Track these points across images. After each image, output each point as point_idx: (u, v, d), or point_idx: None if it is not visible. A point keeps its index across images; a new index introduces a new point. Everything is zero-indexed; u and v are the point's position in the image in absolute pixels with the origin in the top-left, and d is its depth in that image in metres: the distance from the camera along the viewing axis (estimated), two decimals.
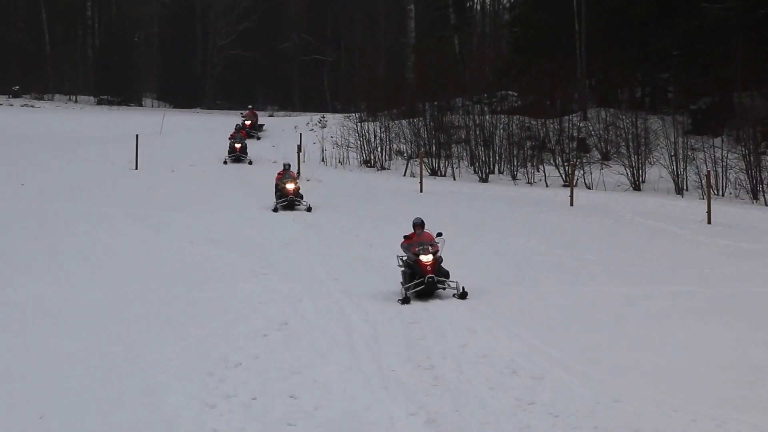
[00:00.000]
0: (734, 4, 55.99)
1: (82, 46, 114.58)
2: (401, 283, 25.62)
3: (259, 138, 68.55)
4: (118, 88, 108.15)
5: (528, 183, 54.67)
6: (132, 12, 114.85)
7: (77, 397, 17.15)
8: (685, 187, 47.86)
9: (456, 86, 65.47)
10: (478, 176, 57.30)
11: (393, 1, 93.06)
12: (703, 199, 40.36)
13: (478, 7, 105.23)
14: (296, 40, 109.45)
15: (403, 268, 26.24)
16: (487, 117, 60.77)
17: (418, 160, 57.90)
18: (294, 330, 22.53)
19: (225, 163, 57.50)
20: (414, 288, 25.00)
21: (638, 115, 55.19)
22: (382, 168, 62.04)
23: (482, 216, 41.50)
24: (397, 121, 64.91)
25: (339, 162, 62.59)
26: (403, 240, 26.84)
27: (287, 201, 41.01)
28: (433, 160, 59.76)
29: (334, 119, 77.10)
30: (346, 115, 77.43)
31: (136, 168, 56.14)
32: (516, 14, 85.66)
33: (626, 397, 16.54)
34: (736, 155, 46.92)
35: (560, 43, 66.43)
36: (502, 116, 60.64)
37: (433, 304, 25.24)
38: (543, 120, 58.97)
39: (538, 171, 55.43)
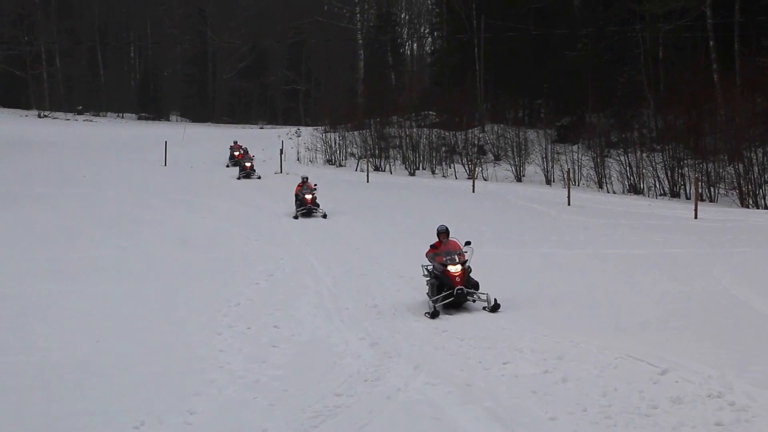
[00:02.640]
0: (586, 52, 56.38)
1: (127, 78, 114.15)
2: (428, 294, 18.79)
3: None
4: (152, 108, 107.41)
5: (443, 176, 54.70)
6: (163, 54, 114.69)
7: (122, 327, 17.17)
8: (552, 180, 48.09)
9: (392, 108, 65.36)
10: (408, 171, 57.28)
11: (348, 48, 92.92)
12: (565, 188, 40.45)
13: (408, 52, 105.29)
14: (280, 75, 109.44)
15: (428, 279, 19.32)
16: (415, 129, 60.79)
17: (365, 159, 58.05)
18: (277, 280, 22.56)
19: (238, 179, 50.00)
20: (442, 300, 18.12)
21: (520, 129, 55.39)
22: (340, 165, 61.82)
23: (410, 199, 41.49)
24: (350, 132, 64.75)
25: (309, 161, 62.24)
26: (428, 249, 19.69)
27: (306, 209, 35.37)
28: (376, 160, 59.67)
29: (306, 131, 76.82)
30: (315, 127, 77.19)
31: (165, 165, 55.74)
32: (435, 58, 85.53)
33: (511, 325, 16.64)
34: (587, 157, 47.22)
35: (465, 78, 66.68)
36: (425, 129, 60.74)
37: (372, 260, 25.30)
38: (453, 132, 59.04)
39: (449, 168, 55.50)
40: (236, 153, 56.04)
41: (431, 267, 19.33)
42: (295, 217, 34.85)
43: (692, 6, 47.85)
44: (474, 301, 18.58)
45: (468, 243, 19.46)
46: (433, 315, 17.76)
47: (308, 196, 35.27)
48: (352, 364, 14.39)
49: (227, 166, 56.76)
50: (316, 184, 36.39)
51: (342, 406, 11.99)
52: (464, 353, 14.83)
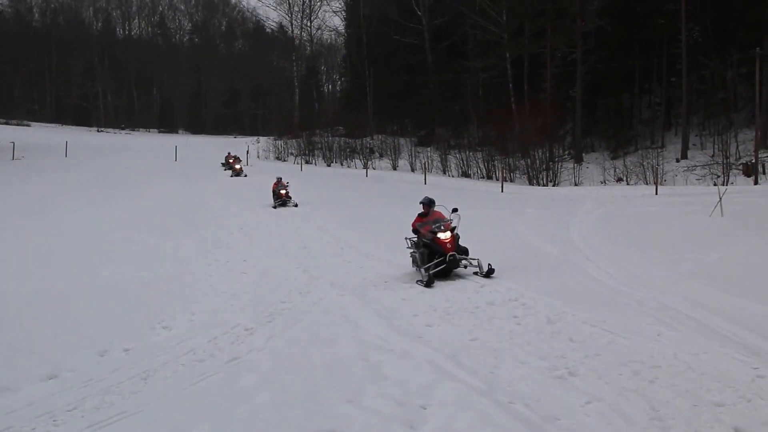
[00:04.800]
0: (435, 91, 56.54)
1: (152, 106, 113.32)
2: (415, 265, 13.87)
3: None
4: (167, 125, 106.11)
5: (348, 167, 54.22)
6: (174, 91, 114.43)
7: (147, 260, 16.66)
8: (415, 169, 47.82)
9: (316, 125, 64.69)
10: (326, 164, 56.57)
11: (289, 88, 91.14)
12: (423, 173, 40.52)
13: (326, 90, 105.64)
14: (247, 104, 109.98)
15: (412, 250, 14.19)
16: (330, 137, 60.24)
17: (300, 156, 57.50)
18: (245, 231, 22.05)
19: (231, 176, 43.50)
20: (435, 267, 12.82)
21: (395, 137, 55.24)
22: (284, 160, 60.62)
23: (327, 180, 41.23)
24: (290, 140, 64.11)
25: (265, 157, 61.37)
26: (416, 218, 14.34)
27: (282, 201, 29.00)
28: (307, 157, 58.91)
29: (263, 139, 75.73)
30: (268, 137, 76.26)
31: (176, 160, 54.32)
32: (342, 93, 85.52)
33: (389, 257, 16.58)
34: (436, 154, 47.23)
35: (361, 106, 66.37)
36: (337, 138, 60.27)
37: (303, 218, 24.96)
38: (354, 139, 58.81)
39: (352, 161, 55.03)
40: (230, 160, 51.81)
41: (415, 239, 14.07)
42: (274, 207, 28.63)
43: (499, 63, 49.19)
44: (465, 267, 13.43)
45: (455, 210, 14.15)
46: (428, 283, 12.48)
47: (282, 192, 29.69)
48: (292, 283, 14.15)
49: (224, 169, 49.75)
50: (288, 182, 30.69)
51: (286, 308, 11.85)
52: (361, 277, 14.67)
